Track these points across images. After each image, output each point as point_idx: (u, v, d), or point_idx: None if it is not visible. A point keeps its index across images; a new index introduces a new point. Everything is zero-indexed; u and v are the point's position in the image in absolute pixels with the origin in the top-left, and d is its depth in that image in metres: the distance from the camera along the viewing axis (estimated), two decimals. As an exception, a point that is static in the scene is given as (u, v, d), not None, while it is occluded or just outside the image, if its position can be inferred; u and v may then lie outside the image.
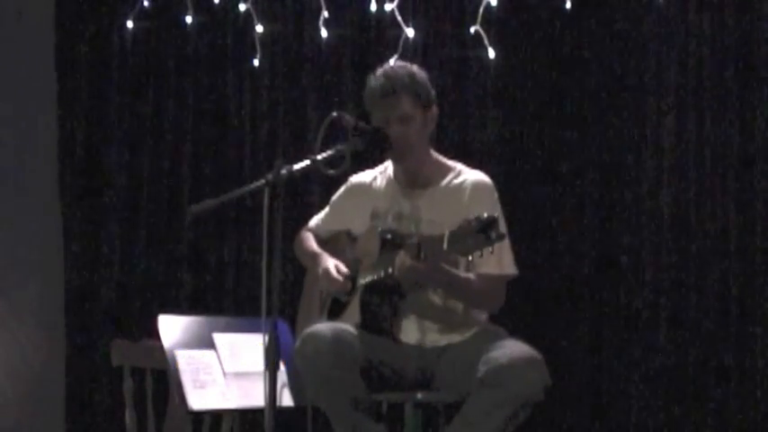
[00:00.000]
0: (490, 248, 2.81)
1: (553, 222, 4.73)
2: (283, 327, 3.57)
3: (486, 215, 2.81)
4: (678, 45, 4.52)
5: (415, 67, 3.37)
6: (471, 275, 3.21)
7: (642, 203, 4.56)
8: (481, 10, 4.64)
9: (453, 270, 3.16)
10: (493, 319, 3.39)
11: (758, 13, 4.38)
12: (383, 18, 4.84)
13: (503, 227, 3.13)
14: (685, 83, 4.49)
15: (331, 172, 3.05)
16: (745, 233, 4.36)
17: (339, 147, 3.10)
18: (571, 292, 4.68)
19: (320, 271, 3.40)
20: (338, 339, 3.11)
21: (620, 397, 4.54)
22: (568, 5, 4.64)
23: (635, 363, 4.51)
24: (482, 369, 3.01)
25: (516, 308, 4.56)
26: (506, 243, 3.20)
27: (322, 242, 3.57)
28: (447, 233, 2.89)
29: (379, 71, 3.34)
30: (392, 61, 4.59)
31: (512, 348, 3.06)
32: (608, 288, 4.62)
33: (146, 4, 5.15)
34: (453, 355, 3.22)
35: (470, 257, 2.87)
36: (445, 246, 2.89)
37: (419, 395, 3.23)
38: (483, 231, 2.79)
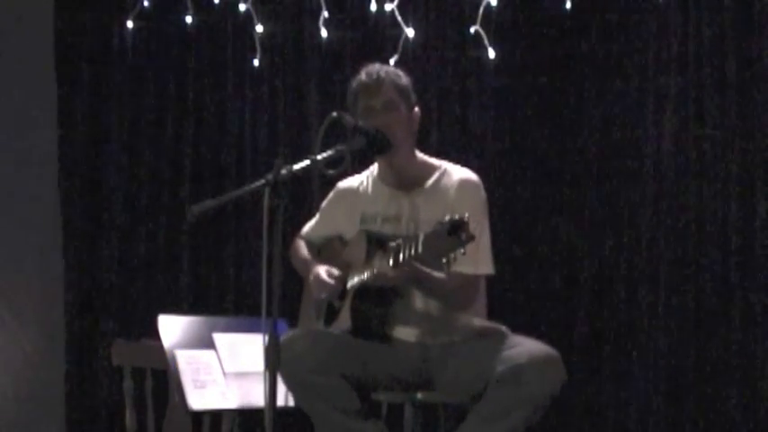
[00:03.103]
0: (462, 250, 2.80)
1: (552, 221, 4.73)
2: (283, 327, 3.57)
3: (456, 217, 2.80)
4: (678, 45, 4.52)
5: (398, 70, 3.41)
6: (444, 276, 3.20)
7: (642, 202, 4.56)
8: (481, 10, 4.64)
9: (427, 271, 3.16)
10: (493, 317, 3.39)
11: (758, 13, 4.38)
12: (383, 18, 4.84)
13: (483, 226, 3.19)
14: (685, 83, 4.49)
15: (331, 172, 3.05)
16: (746, 234, 4.36)
17: (339, 147, 3.10)
18: (570, 291, 4.68)
19: (311, 277, 3.40)
20: (313, 344, 3.11)
21: (620, 397, 4.54)
22: (568, 5, 4.64)
23: (634, 364, 4.51)
24: (499, 368, 3.00)
25: (515, 307, 4.59)
26: (484, 242, 3.21)
27: (315, 249, 3.57)
28: (421, 236, 2.89)
29: (363, 69, 3.38)
30: (391, 60, 4.60)
31: (529, 347, 3.06)
32: (607, 288, 4.62)
33: (146, 4, 5.15)
34: (458, 355, 3.21)
35: (444, 260, 2.86)
36: (420, 249, 2.88)
37: (419, 395, 3.23)
38: (453, 233, 2.78)
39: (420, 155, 3.41)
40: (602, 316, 4.63)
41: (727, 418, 4.33)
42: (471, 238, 2.78)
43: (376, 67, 3.37)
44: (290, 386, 3.16)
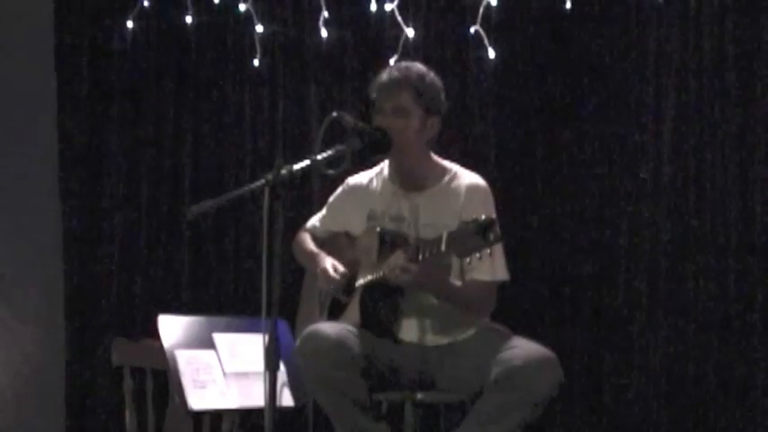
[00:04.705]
0: (488, 250, 2.80)
1: (552, 221, 4.73)
2: (283, 327, 3.57)
3: (483, 217, 2.80)
4: (678, 45, 4.51)
5: (431, 73, 3.36)
6: (462, 284, 3.19)
7: (642, 203, 4.55)
8: (481, 10, 4.64)
9: (445, 278, 3.15)
10: (493, 318, 3.39)
11: (759, 13, 4.37)
12: (383, 18, 4.84)
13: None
14: (686, 83, 4.49)
15: (331, 172, 3.05)
16: (746, 233, 4.36)
17: (339, 147, 3.10)
18: (570, 292, 4.68)
19: (318, 270, 3.39)
20: (339, 339, 3.11)
21: (619, 397, 4.54)
22: (568, 5, 4.64)
23: (634, 364, 4.51)
24: (495, 370, 3.01)
25: (515, 308, 4.59)
26: (499, 248, 3.20)
27: (320, 243, 3.56)
28: (445, 234, 2.88)
29: (396, 64, 3.36)
30: (391, 60, 4.60)
31: (525, 349, 3.06)
32: (608, 289, 4.61)
33: (146, 4, 5.15)
34: (457, 354, 3.21)
35: (468, 260, 2.86)
36: (443, 247, 2.88)
37: (419, 395, 3.23)
38: (480, 233, 2.78)
39: (434, 157, 3.40)
40: (601, 317, 4.63)
41: (728, 419, 4.33)
42: (499, 238, 2.79)
43: (401, 67, 3.34)
44: (311, 380, 3.14)
